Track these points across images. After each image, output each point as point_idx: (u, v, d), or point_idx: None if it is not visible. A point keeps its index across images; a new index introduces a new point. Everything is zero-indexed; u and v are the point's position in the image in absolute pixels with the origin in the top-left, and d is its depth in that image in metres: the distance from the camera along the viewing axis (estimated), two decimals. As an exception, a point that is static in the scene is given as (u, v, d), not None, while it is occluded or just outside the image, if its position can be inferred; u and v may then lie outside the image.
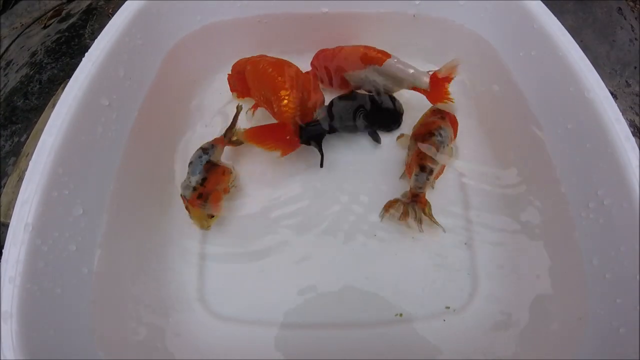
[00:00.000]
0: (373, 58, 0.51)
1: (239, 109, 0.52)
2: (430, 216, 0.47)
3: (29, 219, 0.35)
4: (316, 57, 0.58)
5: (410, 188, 0.47)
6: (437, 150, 0.47)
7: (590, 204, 0.41)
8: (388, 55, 0.51)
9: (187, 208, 0.47)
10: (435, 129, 0.48)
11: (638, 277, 0.36)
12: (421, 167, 0.46)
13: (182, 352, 0.44)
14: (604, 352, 0.37)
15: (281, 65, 0.49)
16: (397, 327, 0.45)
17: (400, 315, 0.45)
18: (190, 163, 0.47)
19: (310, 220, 0.51)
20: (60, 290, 0.37)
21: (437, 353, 0.43)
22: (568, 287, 0.42)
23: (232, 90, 0.57)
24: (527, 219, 0.49)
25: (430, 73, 0.48)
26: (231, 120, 0.52)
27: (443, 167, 0.50)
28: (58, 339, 0.36)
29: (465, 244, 0.49)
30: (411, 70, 0.50)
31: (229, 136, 0.51)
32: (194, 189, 0.46)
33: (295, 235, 0.50)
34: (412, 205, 0.47)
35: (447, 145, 0.49)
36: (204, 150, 0.48)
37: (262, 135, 0.47)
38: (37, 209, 0.36)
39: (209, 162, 0.47)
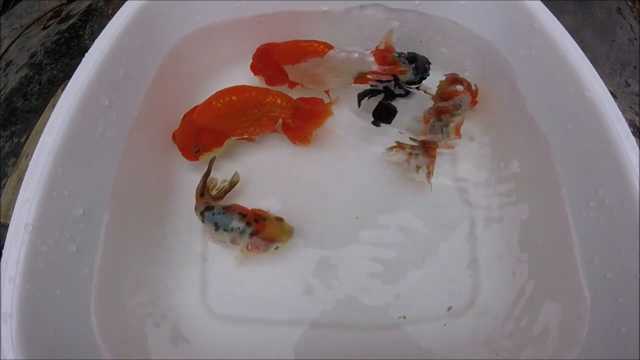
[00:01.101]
0: (314, 50, 0.50)
1: (211, 164, 0.49)
2: (431, 173, 0.48)
3: (29, 219, 0.35)
4: (256, 54, 0.55)
5: (424, 140, 0.49)
6: (456, 110, 0.50)
7: (590, 203, 0.41)
8: (330, 47, 0.50)
9: (268, 244, 0.44)
10: (458, 97, 0.51)
11: (639, 276, 0.36)
12: (437, 118, 0.49)
13: (182, 351, 0.43)
14: (604, 352, 0.37)
15: (237, 89, 0.48)
16: (399, 328, 0.45)
17: (404, 317, 0.45)
18: (216, 226, 0.44)
19: (312, 220, 0.51)
20: (60, 291, 0.37)
21: (438, 354, 0.43)
22: (569, 287, 0.42)
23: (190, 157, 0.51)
24: (528, 218, 0.49)
25: (371, 51, 0.49)
26: (202, 179, 0.48)
27: (458, 128, 0.51)
28: (58, 340, 0.36)
29: (468, 241, 0.49)
30: (356, 55, 0.49)
31: (211, 192, 0.48)
32: (247, 224, 0.43)
33: (297, 235, 0.50)
34: (419, 155, 0.48)
35: (465, 109, 0.52)
36: (209, 207, 0.45)
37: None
38: (37, 209, 0.36)
39: (223, 207, 0.45)
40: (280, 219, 0.45)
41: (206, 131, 0.49)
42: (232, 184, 0.49)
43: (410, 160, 0.49)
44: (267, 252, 0.44)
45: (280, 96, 0.49)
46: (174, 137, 0.51)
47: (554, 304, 0.43)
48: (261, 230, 0.43)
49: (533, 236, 0.48)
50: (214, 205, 0.46)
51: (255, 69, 0.56)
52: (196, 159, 0.51)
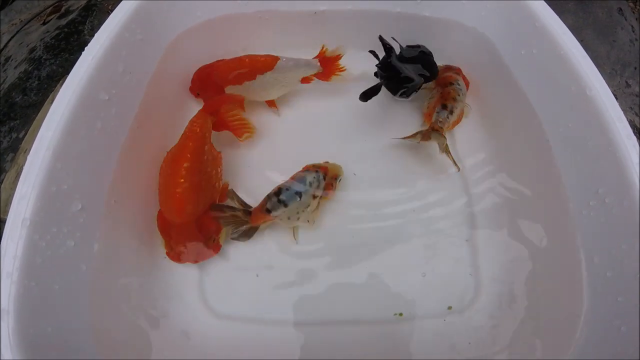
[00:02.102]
0: (264, 64, 0.51)
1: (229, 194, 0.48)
2: (448, 152, 0.50)
3: (27, 214, 0.35)
4: (195, 78, 0.55)
5: (431, 122, 0.51)
6: (458, 95, 0.53)
7: (591, 202, 0.41)
8: (276, 57, 0.52)
9: (335, 180, 0.49)
10: (454, 80, 0.54)
11: (639, 275, 0.36)
12: (443, 105, 0.52)
13: (180, 349, 0.43)
14: (604, 351, 0.37)
15: (178, 156, 0.44)
16: (397, 326, 0.45)
17: (400, 314, 0.45)
18: (299, 195, 0.45)
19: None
20: (58, 287, 0.37)
21: (437, 352, 0.43)
22: (569, 285, 0.42)
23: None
24: (528, 217, 0.48)
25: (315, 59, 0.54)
26: (238, 203, 0.47)
27: (461, 116, 0.54)
28: (56, 337, 0.35)
29: (467, 241, 0.49)
30: (302, 61, 0.53)
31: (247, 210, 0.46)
32: (315, 172, 0.47)
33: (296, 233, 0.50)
34: (433, 134, 0.50)
35: (464, 95, 0.54)
36: (277, 193, 0.46)
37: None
38: (35, 204, 0.35)
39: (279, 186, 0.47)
40: (325, 162, 0.50)
41: (202, 218, 0.44)
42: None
43: (428, 139, 0.50)
44: (334, 190, 0.49)
45: (196, 121, 0.46)
46: (175, 258, 0.45)
47: (554, 302, 0.43)
48: (326, 171, 0.48)
49: (533, 235, 0.47)
50: (277, 189, 0.46)
51: (194, 91, 0.56)
52: (218, 245, 0.46)
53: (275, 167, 0.53)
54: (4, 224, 0.35)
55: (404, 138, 0.51)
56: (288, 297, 0.46)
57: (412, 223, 0.50)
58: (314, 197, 0.47)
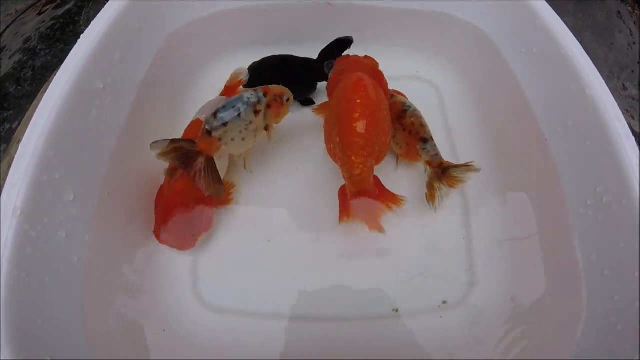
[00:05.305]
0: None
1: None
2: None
3: (18, 203, 0.34)
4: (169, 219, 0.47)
5: (427, 162, 0.47)
6: (420, 119, 0.49)
7: (589, 201, 0.41)
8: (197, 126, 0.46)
9: (281, 97, 0.46)
10: (402, 105, 0.50)
11: (637, 274, 0.36)
12: (422, 139, 0.48)
13: (173, 343, 0.43)
14: (601, 349, 0.37)
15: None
16: (392, 322, 0.44)
17: (396, 310, 0.45)
18: (237, 110, 0.42)
19: (306, 213, 0.50)
20: (48, 278, 0.36)
21: (433, 348, 0.43)
22: (566, 284, 0.42)
23: None
24: (525, 215, 0.48)
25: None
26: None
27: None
28: (45, 328, 0.35)
29: (464, 238, 0.49)
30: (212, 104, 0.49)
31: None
32: (254, 91, 0.44)
33: (290, 228, 0.49)
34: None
35: (417, 111, 0.50)
36: (214, 114, 0.42)
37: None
38: (27, 193, 0.35)
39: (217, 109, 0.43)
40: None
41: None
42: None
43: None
44: (284, 109, 0.46)
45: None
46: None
47: (551, 300, 0.43)
48: (267, 90, 0.45)
49: (530, 233, 0.47)
50: (215, 110, 0.42)
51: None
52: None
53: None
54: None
55: (432, 205, 0.47)
56: (283, 292, 0.46)
57: (409, 219, 0.50)
58: (256, 113, 0.43)
